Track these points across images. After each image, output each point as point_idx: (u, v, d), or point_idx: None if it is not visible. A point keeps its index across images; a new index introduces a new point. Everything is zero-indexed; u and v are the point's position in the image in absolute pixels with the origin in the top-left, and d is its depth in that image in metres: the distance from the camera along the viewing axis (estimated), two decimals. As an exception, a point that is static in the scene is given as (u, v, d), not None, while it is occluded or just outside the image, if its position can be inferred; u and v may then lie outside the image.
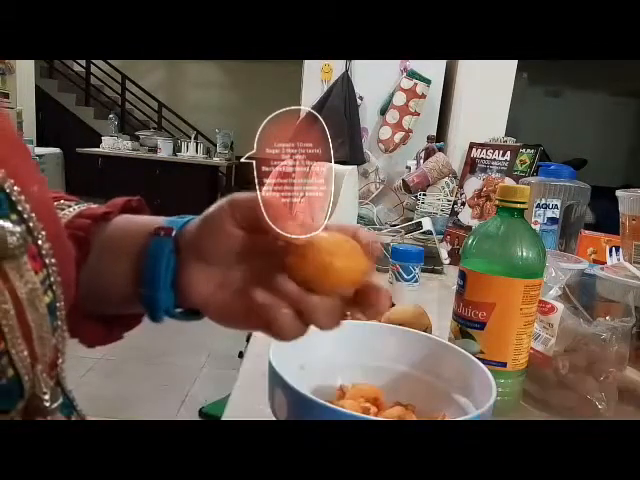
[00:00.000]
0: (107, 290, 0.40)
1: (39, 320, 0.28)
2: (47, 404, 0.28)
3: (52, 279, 0.30)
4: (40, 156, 4.11)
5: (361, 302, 0.33)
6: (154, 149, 5.18)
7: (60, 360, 0.32)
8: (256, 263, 0.36)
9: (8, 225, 0.26)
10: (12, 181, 0.28)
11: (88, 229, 0.40)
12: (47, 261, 0.30)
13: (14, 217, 0.28)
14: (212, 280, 0.37)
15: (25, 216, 0.28)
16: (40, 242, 0.29)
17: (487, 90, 2.18)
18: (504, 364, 0.56)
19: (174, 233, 0.38)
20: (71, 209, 0.42)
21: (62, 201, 0.44)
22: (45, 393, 0.28)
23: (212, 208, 0.37)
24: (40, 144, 4.50)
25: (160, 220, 0.40)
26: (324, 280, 0.32)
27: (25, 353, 0.27)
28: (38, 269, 0.29)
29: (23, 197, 0.29)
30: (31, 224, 0.29)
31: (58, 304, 0.31)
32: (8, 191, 0.28)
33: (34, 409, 0.27)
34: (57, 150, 4.68)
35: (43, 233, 0.29)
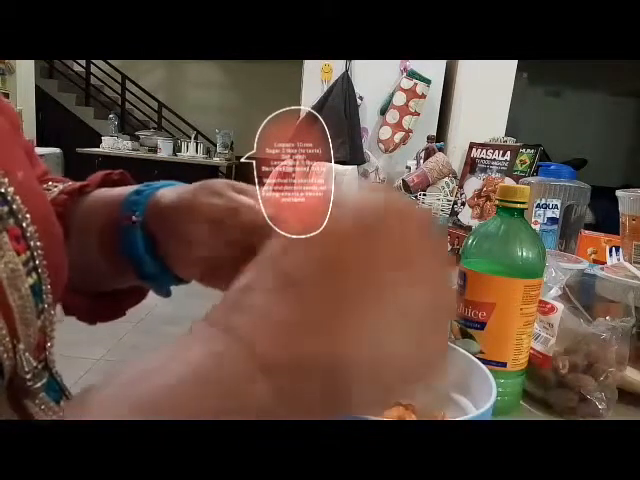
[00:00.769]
0: (91, 265, 0.41)
1: (21, 301, 0.28)
2: (30, 383, 0.28)
3: (37, 262, 0.30)
4: (40, 156, 4.09)
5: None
6: (154, 149, 5.18)
7: (49, 344, 0.32)
8: (240, 244, 0.36)
9: None
10: None
11: (64, 204, 0.41)
12: (32, 244, 0.30)
13: None
14: (195, 264, 0.37)
15: (8, 198, 0.29)
16: (24, 224, 0.29)
17: (487, 90, 2.18)
18: (504, 364, 0.56)
19: (137, 221, 0.38)
20: (56, 189, 0.42)
21: (50, 183, 0.44)
22: (27, 372, 0.28)
23: (183, 195, 0.37)
24: (40, 144, 4.51)
25: (125, 192, 0.40)
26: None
27: (4, 332, 0.27)
28: (21, 251, 0.29)
29: (6, 180, 0.29)
30: (14, 206, 0.29)
31: (44, 287, 0.31)
32: None
33: (18, 388, 0.28)
34: (57, 150, 4.68)
35: (27, 216, 0.30)
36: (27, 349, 0.29)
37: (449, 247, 1.39)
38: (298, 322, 0.23)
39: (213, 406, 0.21)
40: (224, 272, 0.35)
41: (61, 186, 0.43)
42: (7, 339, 0.27)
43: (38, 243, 0.30)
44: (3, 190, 0.29)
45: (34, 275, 0.30)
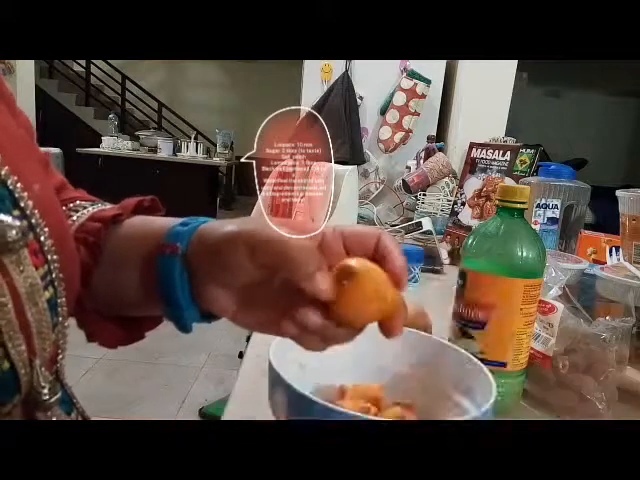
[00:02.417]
0: (123, 293, 0.40)
1: (38, 315, 0.28)
2: (46, 397, 0.28)
3: (54, 275, 0.30)
4: (40, 156, 4.11)
5: (383, 327, 0.34)
6: (154, 149, 5.18)
7: (60, 356, 0.32)
8: (276, 283, 0.35)
9: (7, 219, 0.27)
10: (15, 178, 0.29)
11: (98, 233, 0.40)
12: (49, 257, 0.30)
13: (16, 213, 0.28)
14: (231, 298, 0.35)
15: (27, 212, 0.29)
16: (42, 238, 0.30)
17: (487, 90, 2.18)
18: (504, 364, 0.56)
19: (180, 252, 0.36)
20: (85, 211, 0.42)
21: (78, 202, 0.43)
22: (44, 387, 0.28)
23: (222, 236, 0.34)
24: (40, 144, 4.49)
25: (168, 224, 0.38)
26: (361, 322, 0.33)
27: (22, 347, 0.27)
28: (39, 265, 0.29)
29: (26, 194, 0.29)
30: (33, 220, 0.29)
31: (59, 300, 0.31)
32: (11, 187, 0.28)
33: (33, 402, 0.28)
34: (57, 150, 4.67)
35: (46, 230, 0.30)
36: (42, 364, 0.29)
37: (449, 247, 1.39)
38: None
39: None
40: (258, 309, 0.35)
41: (90, 208, 0.42)
42: (25, 355, 0.27)
43: (55, 257, 0.30)
44: (23, 204, 0.29)
45: (50, 289, 0.30)
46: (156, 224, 0.40)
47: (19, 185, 0.29)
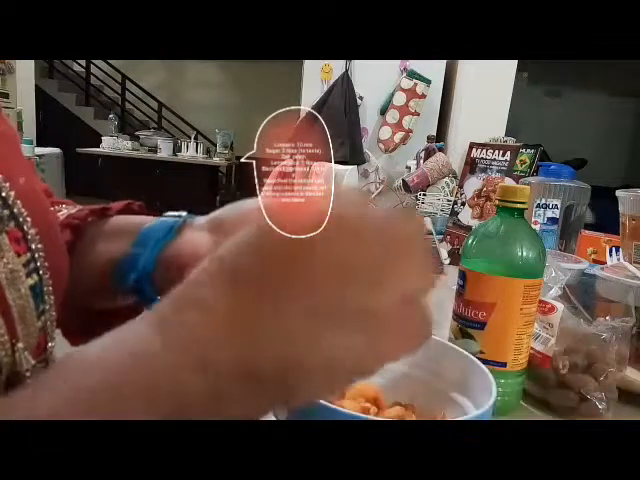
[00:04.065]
0: (93, 282, 0.42)
1: (20, 300, 0.29)
2: (30, 381, 0.29)
3: (38, 263, 0.31)
4: (40, 156, 4.11)
5: None
6: (154, 149, 5.18)
7: (50, 344, 0.33)
8: None
9: None
10: None
11: (85, 218, 0.43)
12: (33, 246, 0.31)
13: None
14: None
15: (9, 202, 0.30)
16: (25, 227, 0.31)
17: (487, 90, 2.18)
18: (504, 364, 0.56)
19: (141, 255, 0.40)
20: (66, 211, 0.44)
21: (64, 206, 0.46)
22: (27, 370, 0.29)
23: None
24: (40, 144, 4.50)
25: (146, 222, 0.42)
26: None
27: (2, 330, 0.27)
28: (22, 252, 0.30)
29: (7, 184, 0.30)
30: (15, 210, 0.30)
31: (45, 288, 0.32)
32: None
33: (16, 384, 0.28)
34: (57, 150, 4.67)
35: (28, 219, 0.31)
36: (27, 348, 0.29)
37: (449, 247, 1.39)
38: (236, 319, 0.22)
39: (142, 403, 0.22)
40: None
41: (74, 211, 0.45)
42: (5, 337, 0.27)
43: (39, 245, 0.31)
44: (4, 194, 0.29)
45: (35, 276, 0.30)
46: (137, 220, 0.44)
47: (0, 176, 0.30)
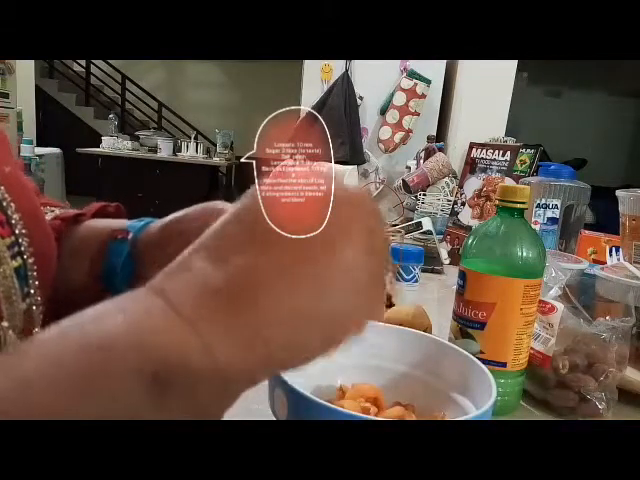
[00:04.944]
0: (70, 279, 0.42)
1: (4, 280, 0.30)
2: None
3: (22, 248, 0.32)
4: (40, 156, 4.11)
5: None
6: (154, 149, 5.17)
7: (36, 329, 0.33)
8: None
9: None
10: None
11: (59, 229, 0.42)
12: (17, 230, 0.32)
13: None
14: None
15: None
16: (9, 212, 0.32)
17: (487, 90, 2.18)
18: (504, 364, 0.56)
19: (130, 236, 0.40)
20: (52, 213, 0.44)
21: (47, 207, 0.46)
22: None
23: (178, 214, 0.39)
24: (40, 144, 4.50)
25: (122, 223, 0.42)
26: None
27: None
28: (5, 235, 0.31)
29: None
30: None
31: (29, 273, 0.33)
32: None
33: None
34: (57, 150, 4.67)
35: (12, 205, 0.32)
36: (12, 328, 0.30)
37: (449, 247, 1.39)
38: (227, 288, 0.23)
39: (138, 356, 0.21)
40: None
41: (57, 211, 0.45)
42: None
43: (24, 230, 0.32)
44: None
45: (19, 259, 0.32)
46: (106, 223, 0.44)
47: None
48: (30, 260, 0.33)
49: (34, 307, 0.33)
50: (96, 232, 0.42)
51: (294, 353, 0.24)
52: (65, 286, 0.40)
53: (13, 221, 0.32)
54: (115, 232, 0.40)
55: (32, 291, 0.33)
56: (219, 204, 0.39)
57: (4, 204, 0.31)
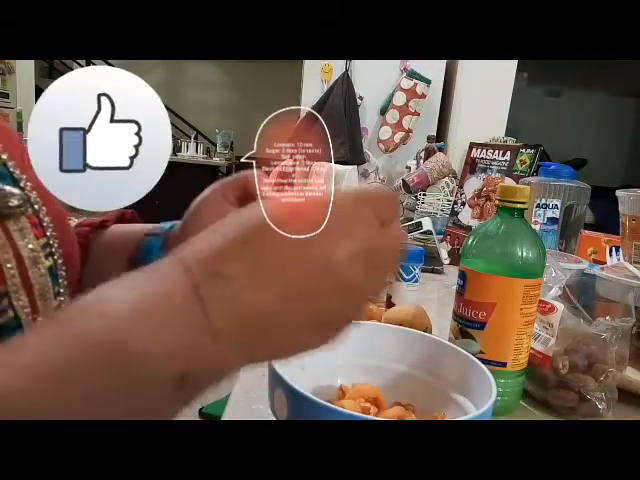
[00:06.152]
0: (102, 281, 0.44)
1: (40, 279, 0.32)
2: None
3: (53, 249, 0.34)
4: (40, 156, 4.11)
5: None
6: (154, 149, 5.17)
7: None
8: None
9: (8, 187, 0.31)
10: (13, 162, 0.33)
11: (87, 235, 0.46)
12: (48, 233, 0.34)
13: (16, 190, 0.33)
14: None
15: (26, 191, 0.33)
16: (41, 215, 0.34)
17: (487, 90, 2.18)
18: (504, 364, 0.56)
19: (161, 231, 0.44)
20: (71, 221, 0.47)
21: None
22: None
23: (198, 199, 0.43)
24: (40, 144, 4.49)
25: (150, 226, 0.46)
26: None
27: (25, 302, 0.31)
28: (40, 235, 0.33)
29: (25, 176, 0.33)
30: (32, 198, 0.33)
31: (59, 272, 0.35)
32: (11, 170, 0.33)
33: None
34: (57, 150, 4.66)
35: (43, 209, 0.34)
36: None
37: (449, 247, 1.39)
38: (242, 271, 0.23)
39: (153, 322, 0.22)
40: None
41: (75, 220, 0.48)
42: (27, 309, 0.31)
43: (54, 233, 0.34)
44: (22, 184, 0.33)
45: (50, 259, 0.34)
46: (138, 226, 0.48)
47: (18, 170, 0.33)
48: (60, 261, 0.35)
49: (63, 305, 0.35)
50: (130, 232, 0.47)
51: (290, 349, 0.25)
52: (101, 280, 0.42)
53: (45, 224, 0.34)
54: (149, 230, 0.45)
55: (62, 290, 0.35)
56: (247, 174, 0.42)
57: (36, 207, 0.34)
